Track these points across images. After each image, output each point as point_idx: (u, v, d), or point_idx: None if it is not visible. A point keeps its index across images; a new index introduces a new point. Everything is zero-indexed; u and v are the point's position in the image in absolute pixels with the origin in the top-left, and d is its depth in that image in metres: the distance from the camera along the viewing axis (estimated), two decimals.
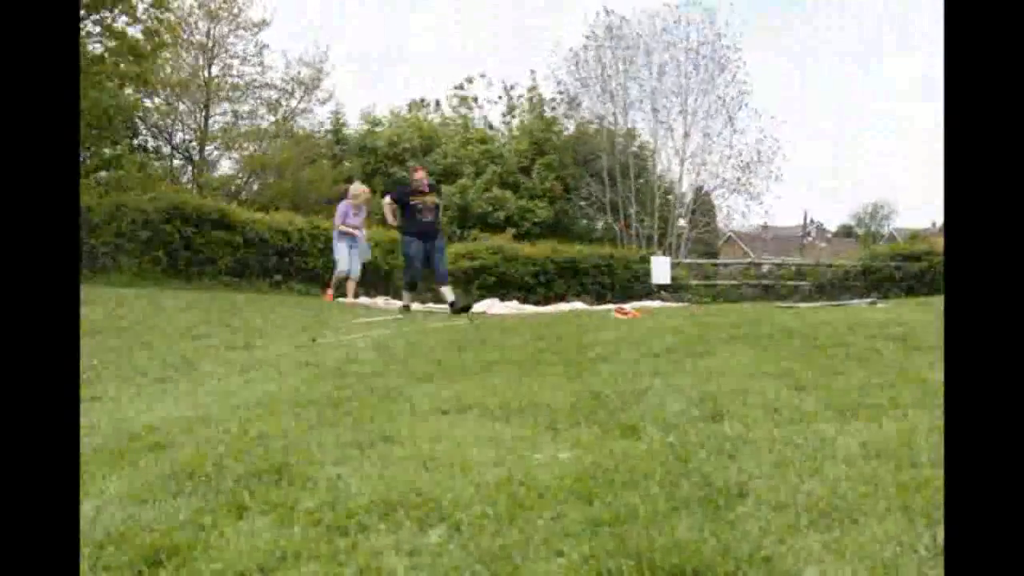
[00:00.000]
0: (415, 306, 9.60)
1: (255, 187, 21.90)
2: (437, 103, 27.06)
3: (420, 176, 9.45)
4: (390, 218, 9.60)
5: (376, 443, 2.68)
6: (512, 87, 26.77)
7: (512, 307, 10.84)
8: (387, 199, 9.56)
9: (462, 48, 63.76)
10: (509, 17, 67.10)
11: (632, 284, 15.55)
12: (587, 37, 23.86)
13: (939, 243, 15.45)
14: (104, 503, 2.14)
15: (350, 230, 10.75)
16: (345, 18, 61.03)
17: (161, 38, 14.72)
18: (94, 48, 13.20)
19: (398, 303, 9.82)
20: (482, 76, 27.46)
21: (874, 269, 15.30)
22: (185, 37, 21.03)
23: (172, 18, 18.78)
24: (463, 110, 26.54)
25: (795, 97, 77.47)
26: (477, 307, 10.02)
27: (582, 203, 24.13)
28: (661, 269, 15.79)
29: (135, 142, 21.39)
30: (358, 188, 11.17)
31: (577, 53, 23.97)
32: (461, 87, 27.00)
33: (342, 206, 10.97)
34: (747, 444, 2.54)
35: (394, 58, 65.64)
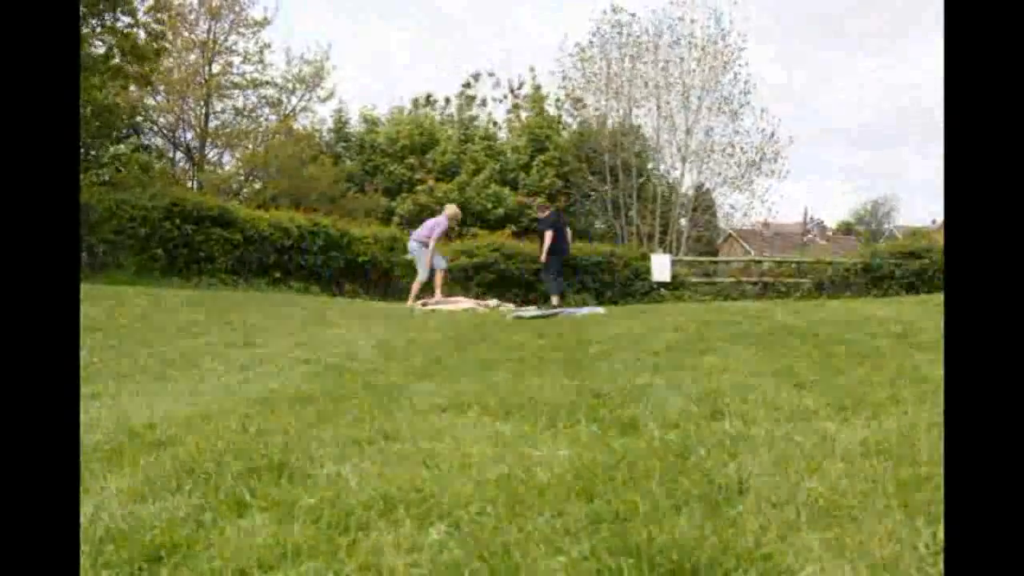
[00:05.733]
0: (417, 306, 10.06)
1: (256, 185, 21.90)
2: (447, 100, 27.01)
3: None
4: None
5: (376, 440, 2.69)
6: (520, 86, 26.75)
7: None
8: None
9: (467, 43, 63.58)
10: (514, 12, 66.99)
11: (632, 282, 15.53)
12: (592, 34, 23.83)
13: (939, 240, 15.45)
14: (104, 500, 2.15)
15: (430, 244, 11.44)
16: (349, 16, 60.93)
17: (163, 41, 14.69)
18: (96, 48, 13.17)
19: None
20: (490, 75, 27.34)
21: (874, 267, 15.29)
22: (186, 35, 21.02)
23: (174, 15, 18.78)
24: (468, 112, 26.47)
25: (797, 93, 77.31)
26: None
27: (583, 200, 24.10)
28: (661, 267, 15.77)
29: (138, 141, 21.40)
30: (455, 210, 12.20)
31: (584, 49, 23.94)
32: (468, 85, 26.97)
33: (442, 222, 11.63)
34: (747, 441, 2.54)
35: (396, 56, 65.53)
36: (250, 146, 22.02)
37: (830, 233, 53.25)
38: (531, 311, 9.53)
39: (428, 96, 27.19)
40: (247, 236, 12.90)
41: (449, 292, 13.17)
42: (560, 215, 12.74)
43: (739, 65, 23.10)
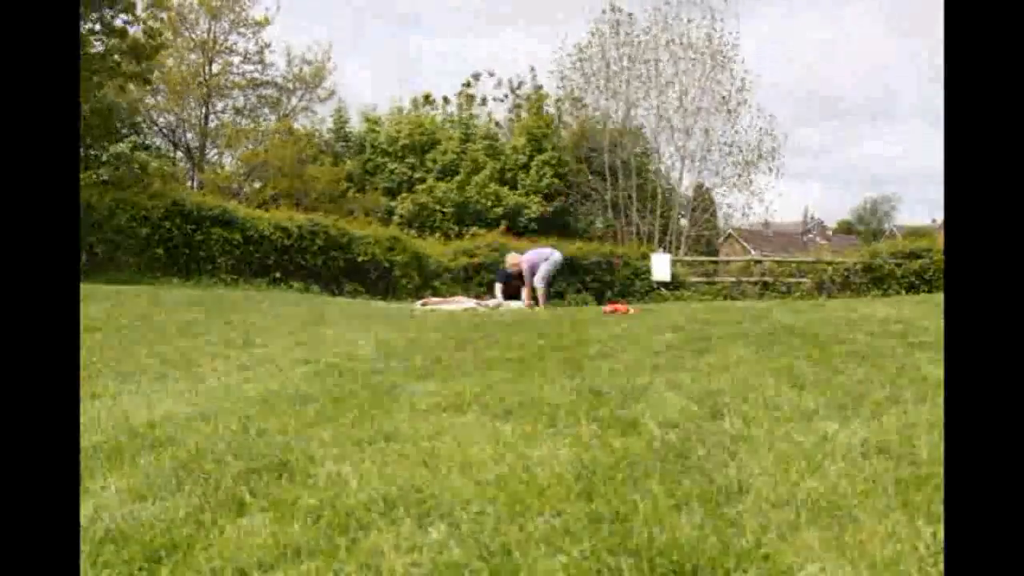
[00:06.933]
0: (419, 306, 10.21)
1: (256, 185, 21.90)
2: (445, 99, 26.97)
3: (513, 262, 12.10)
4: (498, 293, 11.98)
5: (376, 440, 2.69)
6: (519, 85, 26.72)
7: None
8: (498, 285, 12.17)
9: (467, 41, 63.48)
10: (515, 11, 66.94)
11: (632, 281, 15.54)
12: (591, 34, 23.81)
13: (940, 240, 15.45)
14: (104, 500, 2.15)
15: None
16: (349, 16, 60.95)
17: (161, 38, 14.68)
18: (95, 47, 13.17)
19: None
20: (490, 75, 27.28)
21: (875, 266, 15.30)
22: (186, 35, 21.03)
23: (173, 15, 18.78)
24: (469, 111, 26.41)
25: (797, 89, 77.17)
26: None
27: (583, 200, 24.10)
28: (661, 266, 15.76)
29: (138, 140, 21.37)
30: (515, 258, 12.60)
31: (582, 49, 23.93)
32: (468, 84, 26.93)
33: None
34: (747, 441, 2.54)
35: (398, 53, 65.50)
36: (250, 146, 22.00)
37: (830, 233, 53.25)
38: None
39: (427, 96, 27.16)
40: (247, 236, 12.92)
41: (449, 292, 13.19)
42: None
43: (734, 63, 23.11)
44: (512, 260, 12.25)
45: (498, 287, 11.99)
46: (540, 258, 12.00)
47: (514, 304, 11.12)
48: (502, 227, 19.98)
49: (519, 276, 11.94)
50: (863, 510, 1.89)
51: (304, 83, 23.17)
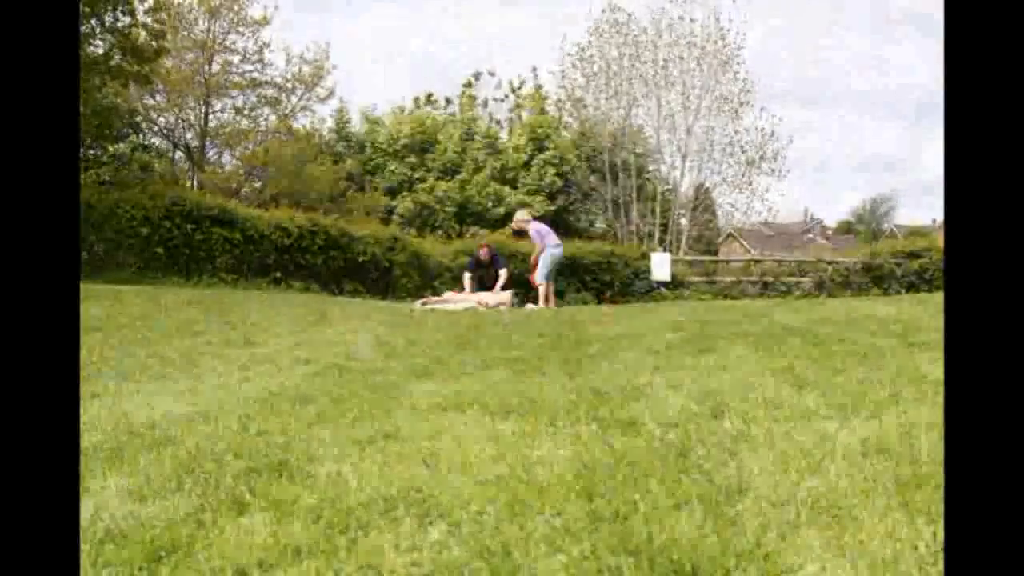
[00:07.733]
0: (418, 305, 10.57)
1: (256, 184, 21.87)
2: (447, 100, 26.95)
3: (483, 252, 12.45)
4: (467, 285, 12.08)
5: (376, 440, 2.69)
6: (520, 86, 26.70)
7: None
8: (466, 274, 12.33)
9: (467, 43, 63.35)
10: (515, 10, 66.89)
11: (633, 281, 15.54)
12: (591, 33, 23.78)
13: (939, 240, 15.45)
14: (104, 500, 2.15)
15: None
16: (349, 16, 60.86)
17: (163, 41, 14.70)
18: (96, 48, 13.17)
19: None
20: (491, 75, 27.25)
21: (875, 266, 15.30)
22: (185, 34, 21.01)
23: (173, 14, 18.78)
24: (470, 112, 26.38)
25: (797, 88, 76.90)
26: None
27: (583, 200, 24.09)
28: (661, 265, 15.76)
29: (138, 141, 21.40)
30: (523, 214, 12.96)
31: (583, 48, 23.90)
32: (469, 84, 26.91)
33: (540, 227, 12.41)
34: (747, 441, 2.54)
35: (399, 52, 65.36)
36: (250, 146, 21.97)
37: (830, 232, 53.26)
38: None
39: (429, 96, 27.14)
40: (247, 235, 12.90)
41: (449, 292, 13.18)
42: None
43: (738, 64, 23.08)
44: (519, 218, 12.35)
45: (467, 276, 12.10)
46: (548, 233, 12.13)
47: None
48: (507, 230, 19.98)
49: (489, 265, 12.09)
50: (863, 510, 1.89)
51: (303, 83, 23.13)
